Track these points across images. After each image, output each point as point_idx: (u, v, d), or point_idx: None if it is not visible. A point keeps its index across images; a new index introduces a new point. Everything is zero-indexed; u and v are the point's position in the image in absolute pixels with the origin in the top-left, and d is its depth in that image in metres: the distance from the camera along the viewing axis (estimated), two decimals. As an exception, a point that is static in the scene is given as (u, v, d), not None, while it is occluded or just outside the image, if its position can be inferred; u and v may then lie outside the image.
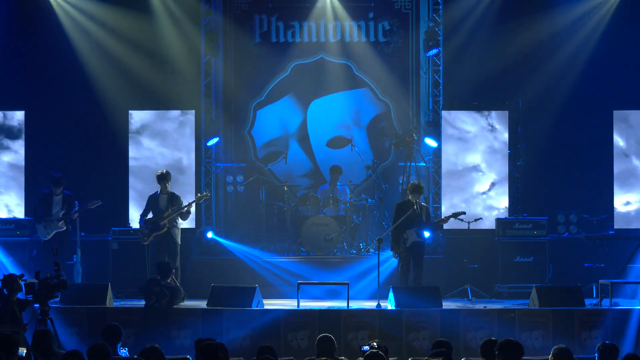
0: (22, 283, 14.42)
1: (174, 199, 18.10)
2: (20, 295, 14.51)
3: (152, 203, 18.14)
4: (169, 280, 16.46)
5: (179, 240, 18.21)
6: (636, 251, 18.98)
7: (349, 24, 21.70)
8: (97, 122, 21.21)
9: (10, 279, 14.43)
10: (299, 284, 17.22)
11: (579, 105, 21.05)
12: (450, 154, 20.80)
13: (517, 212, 20.55)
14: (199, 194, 19.21)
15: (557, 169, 21.07)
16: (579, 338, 16.10)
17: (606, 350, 10.99)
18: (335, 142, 21.87)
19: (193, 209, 18.80)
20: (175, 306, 16.37)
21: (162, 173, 18.32)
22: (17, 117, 21.00)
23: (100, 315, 16.28)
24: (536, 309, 16.52)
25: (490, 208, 20.72)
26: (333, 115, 21.91)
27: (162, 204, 18.05)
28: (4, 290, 14.37)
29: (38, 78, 21.27)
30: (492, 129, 20.72)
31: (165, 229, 17.90)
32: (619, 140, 20.66)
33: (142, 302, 17.23)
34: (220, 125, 21.51)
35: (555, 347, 10.92)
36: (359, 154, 21.04)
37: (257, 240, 20.45)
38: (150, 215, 18.17)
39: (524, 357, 10.39)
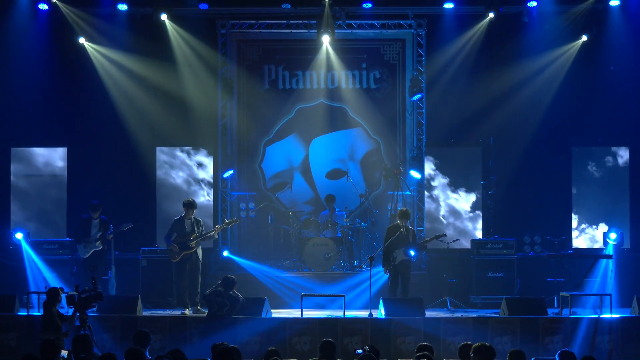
0: (62, 295, 14.43)
1: (198, 223, 18.03)
2: (62, 304, 14.54)
3: (177, 226, 18.01)
4: (230, 292, 16.30)
5: (201, 259, 18.15)
6: (592, 267, 19.02)
7: (345, 73, 21.72)
8: (128, 156, 21.24)
9: (52, 292, 14.43)
10: (302, 295, 17.20)
11: (542, 142, 21.09)
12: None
13: (489, 234, 20.58)
14: (226, 220, 19.20)
15: (523, 197, 21.04)
16: (542, 342, 16.08)
17: (565, 357, 10.99)
18: (333, 174, 21.87)
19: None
20: (234, 315, 16.22)
21: (190, 201, 18.18)
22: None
23: (131, 323, 16.24)
24: (506, 317, 16.51)
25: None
26: (331, 151, 21.91)
27: (188, 227, 17.85)
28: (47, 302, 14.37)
29: (78, 119, 21.31)
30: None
31: (194, 249, 17.84)
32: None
33: (167, 312, 17.30)
34: (235, 160, 21.58)
35: (511, 349, 10.99)
36: (353, 184, 21.08)
37: (266, 258, 20.40)
38: (173, 237, 18.09)
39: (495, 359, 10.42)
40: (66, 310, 15.38)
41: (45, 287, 15.35)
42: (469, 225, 21.09)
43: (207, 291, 16.49)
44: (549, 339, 16.13)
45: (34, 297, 17.27)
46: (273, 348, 11.85)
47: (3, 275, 19.41)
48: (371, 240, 20.44)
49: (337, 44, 21.36)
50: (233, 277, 16.60)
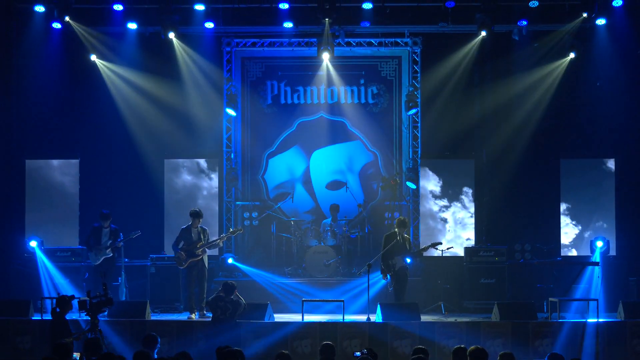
0: (72, 302, 14.42)
1: (204, 232, 18.04)
2: (73, 310, 14.54)
3: (184, 234, 18.02)
4: (232, 297, 16.29)
5: (207, 265, 18.14)
6: (579, 274, 19.05)
7: (343, 89, 21.79)
8: (137, 168, 21.27)
9: (63, 299, 14.41)
10: (303, 301, 17.18)
11: (532, 155, 21.11)
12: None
13: (482, 242, 20.61)
14: (231, 229, 19.23)
15: (514, 206, 21.08)
16: (532, 345, 16.09)
17: (554, 359, 10.99)
18: (333, 185, 21.91)
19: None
20: (238, 318, 16.14)
21: (196, 211, 18.20)
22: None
23: (140, 326, 16.26)
24: (497, 322, 16.52)
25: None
26: (331, 163, 21.95)
27: (195, 235, 17.88)
28: (57, 309, 14.35)
29: (90, 132, 21.31)
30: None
31: (201, 256, 17.84)
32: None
33: (175, 316, 17.32)
34: (239, 171, 21.64)
35: (501, 352, 11.02)
36: (352, 194, 21.14)
37: (269, 265, 20.41)
38: (181, 245, 18.10)
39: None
40: (78, 315, 15.43)
41: (58, 294, 15.37)
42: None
43: (210, 297, 16.53)
44: (538, 342, 16.13)
45: (48, 302, 17.29)
46: (283, 351, 11.79)
47: (18, 281, 19.42)
48: (369, 248, 20.47)
49: (336, 61, 21.44)
50: (233, 282, 16.60)
